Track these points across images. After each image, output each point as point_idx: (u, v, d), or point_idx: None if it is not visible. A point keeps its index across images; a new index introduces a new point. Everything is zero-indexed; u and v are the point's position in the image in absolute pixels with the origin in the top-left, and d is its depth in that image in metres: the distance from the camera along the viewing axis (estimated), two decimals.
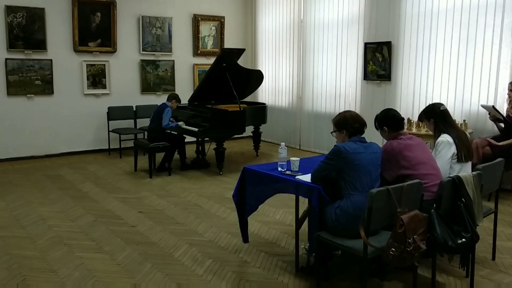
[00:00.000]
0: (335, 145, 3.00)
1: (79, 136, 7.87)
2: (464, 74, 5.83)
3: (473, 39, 5.70)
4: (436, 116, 3.54)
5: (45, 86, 7.45)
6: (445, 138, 3.42)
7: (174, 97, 6.59)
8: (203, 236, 4.18)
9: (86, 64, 7.77)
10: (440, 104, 3.62)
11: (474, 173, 3.07)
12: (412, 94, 6.48)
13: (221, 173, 6.49)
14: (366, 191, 2.69)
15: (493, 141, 5.05)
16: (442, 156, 3.37)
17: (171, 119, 6.48)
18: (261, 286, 3.23)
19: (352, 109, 7.03)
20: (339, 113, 3.21)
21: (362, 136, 3.08)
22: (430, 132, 3.75)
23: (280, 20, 8.68)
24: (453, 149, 3.39)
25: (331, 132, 3.22)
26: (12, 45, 7.10)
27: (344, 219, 2.86)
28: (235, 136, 7.00)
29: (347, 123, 3.08)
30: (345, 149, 2.92)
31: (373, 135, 3.55)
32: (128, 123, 8.07)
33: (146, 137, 7.23)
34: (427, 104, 3.85)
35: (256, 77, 7.50)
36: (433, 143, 3.60)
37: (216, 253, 3.77)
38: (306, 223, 3.51)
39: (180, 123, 6.59)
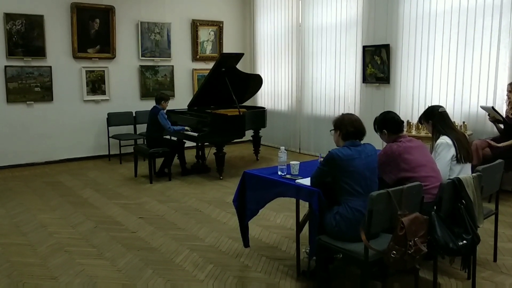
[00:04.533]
0: (329, 152, 2.96)
1: (79, 143, 7.87)
2: (463, 76, 5.84)
3: (471, 41, 5.71)
4: (435, 118, 3.56)
5: (45, 93, 7.46)
6: (444, 140, 3.43)
7: (162, 98, 6.45)
8: (204, 241, 4.17)
9: (86, 71, 7.79)
10: (439, 106, 3.64)
11: (474, 174, 3.07)
12: (411, 97, 6.49)
13: (221, 177, 6.49)
14: (363, 195, 2.68)
15: (492, 143, 5.05)
16: (442, 158, 3.38)
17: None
18: None
19: (351, 112, 7.04)
20: (341, 114, 3.21)
21: (356, 140, 3.03)
22: (430, 134, 3.75)
23: (279, 24, 8.70)
24: (452, 151, 3.40)
25: (330, 130, 3.20)
26: (11, 52, 7.11)
27: (344, 225, 2.85)
28: (235, 140, 7.00)
29: (342, 124, 3.05)
30: (339, 156, 2.88)
31: (372, 138, 3.54)
32: (127, 129, 8.08)
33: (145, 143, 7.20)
34: (427, 107, 3.86)
35: (255, 81, 7.50)
36: (432, 145, 3.61)
37: (217, 258, 3.77)
38: (307, 226, 3.51)
39: (186, 127, 6.56)
